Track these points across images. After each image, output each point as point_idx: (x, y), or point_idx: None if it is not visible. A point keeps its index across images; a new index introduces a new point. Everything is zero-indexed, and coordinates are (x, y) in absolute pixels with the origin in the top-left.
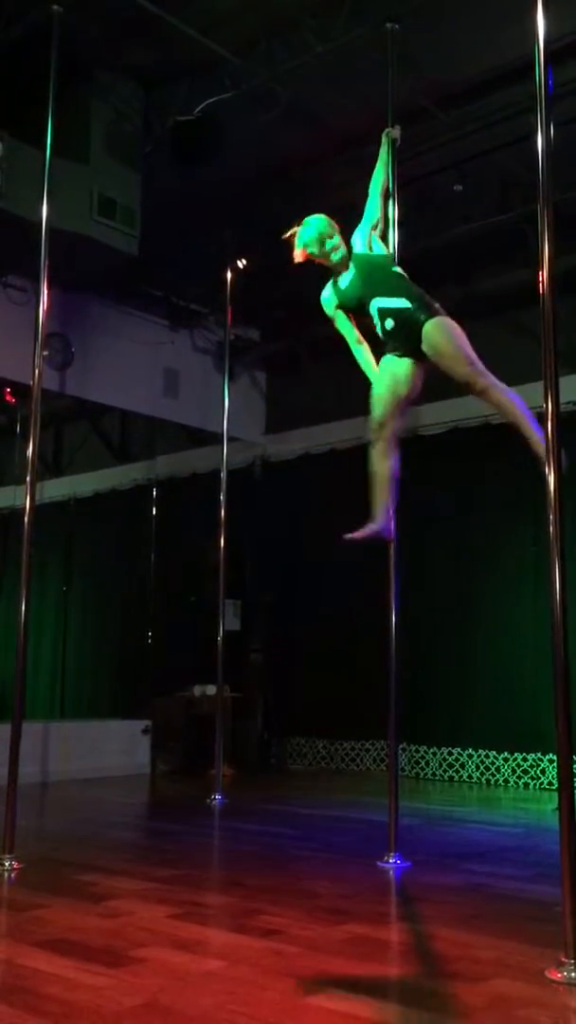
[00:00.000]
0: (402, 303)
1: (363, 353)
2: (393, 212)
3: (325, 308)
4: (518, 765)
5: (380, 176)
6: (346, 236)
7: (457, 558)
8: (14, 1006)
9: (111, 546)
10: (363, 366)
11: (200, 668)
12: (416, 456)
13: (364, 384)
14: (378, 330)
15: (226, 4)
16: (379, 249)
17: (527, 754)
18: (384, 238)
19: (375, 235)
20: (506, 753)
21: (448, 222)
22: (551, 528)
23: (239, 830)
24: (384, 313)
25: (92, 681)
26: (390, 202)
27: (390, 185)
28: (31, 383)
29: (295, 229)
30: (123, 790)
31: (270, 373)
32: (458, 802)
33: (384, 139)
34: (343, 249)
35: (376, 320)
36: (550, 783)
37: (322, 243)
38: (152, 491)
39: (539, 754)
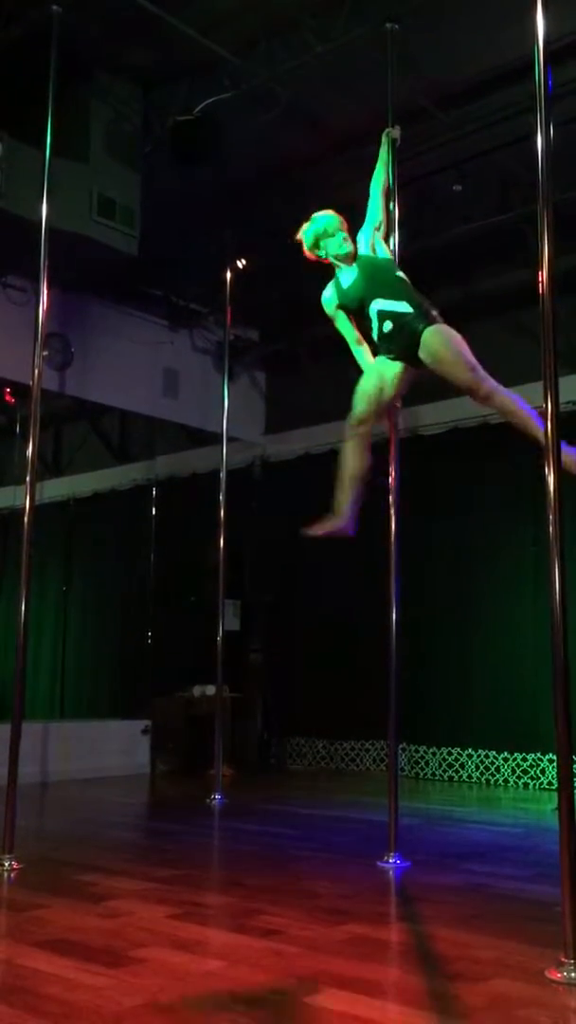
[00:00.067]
0: (403, 307)
1: (363, 354)
2: (393, 212)
3: (326, 308)
4: (518, 765)
5: (380, 177)
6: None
7: (457, 558)
8: (14, 1006)
9: (111, 546)
10: (363, 366)
11: (200, 668)
12: (416, 456)
13: None
14: (374, 332)
15: (226, 4)
16: (382, 252)
17: (527, 754)
18: (386, 239)
19: (378, 236)
20: (506, 753)
21: (448, 222)
22: (551, 528)
23: (239, 830)
24: (384, 315)
25: (92, 681)
26: (391, 202)
27: (391, 185)
28: (31, 383)
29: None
30: (123, 790)
31: (270, 373)
32: (458, 802)
33: (384, 139)
34: (349, 245)
35: (374, 322)
36: (550, 783)
37: (317, 243)
38: (152, 491)
39: (539, 754)
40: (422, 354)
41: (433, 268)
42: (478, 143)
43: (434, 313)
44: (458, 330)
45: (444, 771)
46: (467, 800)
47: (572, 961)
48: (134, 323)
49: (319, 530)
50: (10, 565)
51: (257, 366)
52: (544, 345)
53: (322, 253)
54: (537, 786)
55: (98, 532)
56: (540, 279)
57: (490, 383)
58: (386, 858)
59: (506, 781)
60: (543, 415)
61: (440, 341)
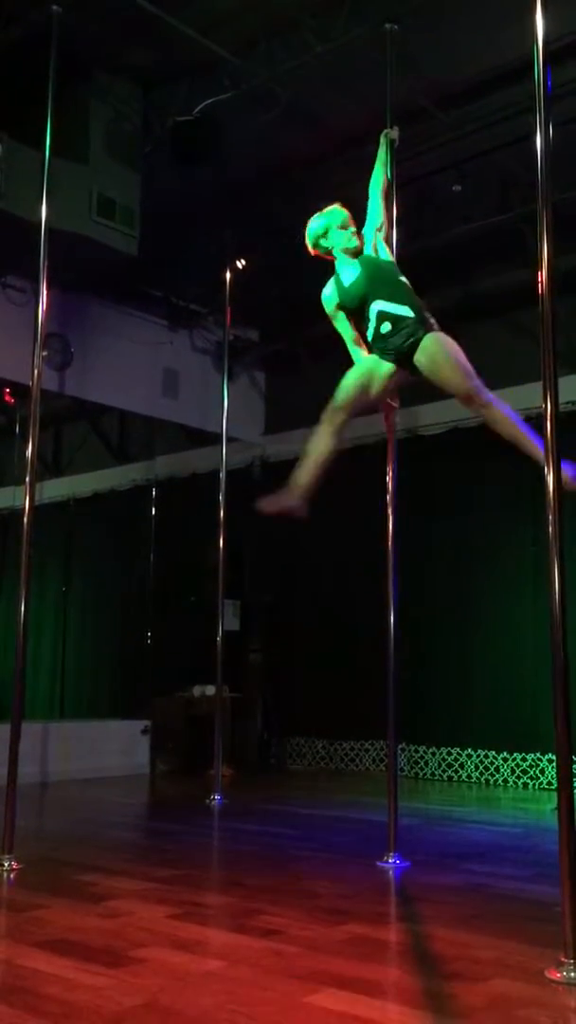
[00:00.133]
0: (404, 311)
1: (360, 354)
2: (392, 213)
3: (325, 306)
4: (517, 765)
5: (380, 178)
6: None
7: (457, 558)
8: (14, 1006)
9: (110, 546)
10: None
11: (199, 668)
12: (416, 456)
13: None
14: (370, 331)
15: (226, 4)
16: (384, 254)
17: (526, 754)
18: (387, 239)
19: (379, 237)
20: (505, 753)
21: (448, 222)
22: (550, 528)
23: (239, 830)
24: (383, 316)
25: (92, 681)
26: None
27: (390, 186)
28: (30, 383)
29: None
30: (123, 790)
31: (269, 373)
32: (457, 802)
33: (383, 140)
34: (356, 240)
35: (372, 322)
36: (549, 783)
37: (326, 235)
38: (151, 491)
39: (538, 754)
40: (420, 358)
41: (433, 268)
42: (478, 143)
43: (432, 321)
44: (458, 330)
45: (444, 771)
46: (467, 800)
47: (572, 961)
48: (134, 323)
49: (271, 506)
50: (10, 565)
51: (257, 366)
52: (544, 345)
53: (328, 245)
54: (537, 786)
55: (98, 532)
56: (540, 279)
57: (487, 394)
58: (386, 858)
59: (506, 781)
60: (543, 415)
61: (439, 348)
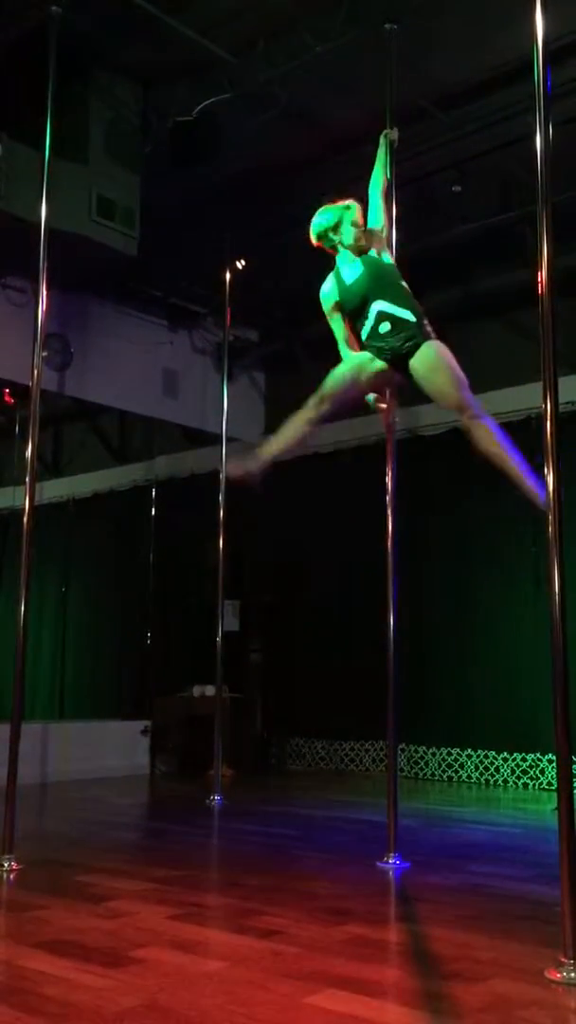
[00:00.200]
0: (406, 314)
1: (350, 354)
2: (392, 213)
3: (323, 302)
4: (517, 765)
5: (379, 179)
6: None
7: (457, 558)
8: (14, 1007)
9: (110, 547)
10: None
11: (199, 668)
12: (416, 456)
13: None
14: (366, 329)
15: (225, 4)
16: (386, 257)
17: (526, 754)
18: (387, 240)
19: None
20: (505, 753)
21: (448, 222)
22: (551, 528)
23: (239, 830)
24: (384, 316)
25: (91, 681)
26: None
27: (390, 187)
28: (30, 384)
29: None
30: (122, 791)
31: (269, 374)
32: (457, 802)
33: (382, 141)
34: (362, 239)
35: (371, 320)
36: (549, 783)
37: (336, 228)
38: (151, 491)
39: (538, 754)
40: (416, 364)
41: (433, 268)
42: (478, 143)
43: (429, 328)
44: (458, 330)
45: (443, 771)
46: (466, 800)
47: (572, 961)
48: (133, 323)
49: (236, 470)
50: (10, 565)
51: (256, 366)
52: (544, 345)
53: (336, 239)
54: (536, 786)
55: (98, 533)
56: (540, 279)
57: (478, 407)
58: (386, 858)
59: (505, 781)
60: (542, 415)
61: (436, 357)
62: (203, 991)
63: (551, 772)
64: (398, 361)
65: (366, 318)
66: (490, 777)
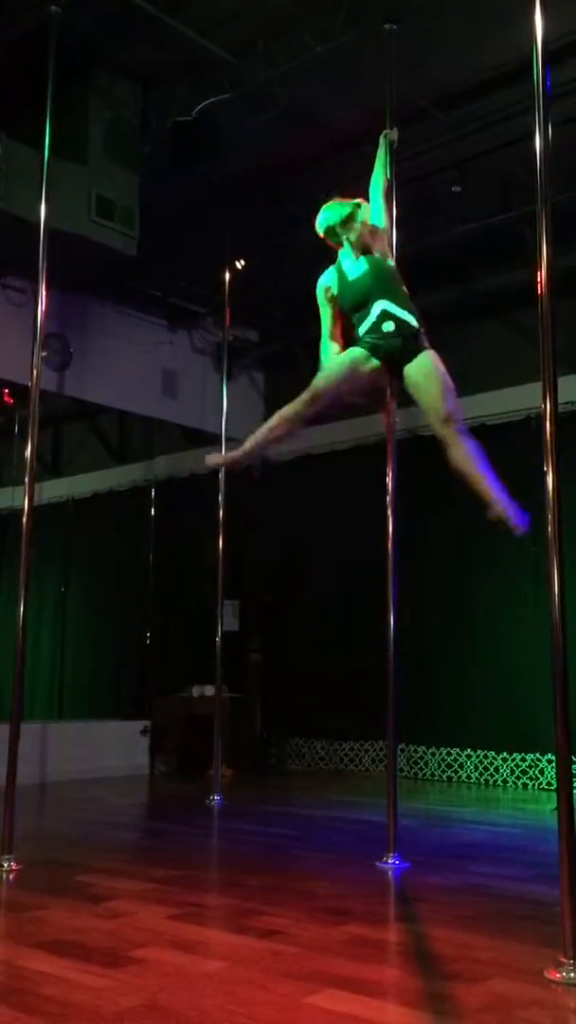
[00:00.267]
0: (410, 318)
1: (331, 347)
2: (392, 213)
3: (318, 290)
4: (517, 765)
5: (379, 180)
6: None
7: (457, 558)
8: (13, 1007)
9: (110, 547)
10: (323, 360)
11: (199, 668)
12: (416, 456)
13: None
14: (366, 324)
15: (224, 4)
16: (388, 261)
17: (526, 754)
18: (388, 241)
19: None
20: (505, 753)
21: (448, 222)
22: (550, 528)
23: (238, 830)
24: (388, 315)
25: (91, 681)
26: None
27: (390, 187)
28: (29, 384)
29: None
30: (122, 791)
31: (268, 374)
32: (457, 802)
33: (382, 141)
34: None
35: (372, 316)
36: (549, 783)
37: (344, 223)
38: (151, 492)
39: (538, 754)
40: (412, 370)
41: (433, 268)
42: (478, 143)
43: (424, 338)
44: (458, 330)
45: (443, 771)
46: (466, 800)
47: (571, 961)
48: (133, 324)
49: (219, 459)
50: (10, 565)
51: (256, 366)
52: (543, 345)
53: (344, 234)
54: (536, 786)
55: (97, 533)
56: (539, 279)
57: (460, 423)
58: (385, 858)
59: (505, 781)
60: (542, 415)
61: (433, 367)
62: (203, 991)
63: (551, 772)
64: (391, 362)
65: (368, 313)
66: (490, 777)
